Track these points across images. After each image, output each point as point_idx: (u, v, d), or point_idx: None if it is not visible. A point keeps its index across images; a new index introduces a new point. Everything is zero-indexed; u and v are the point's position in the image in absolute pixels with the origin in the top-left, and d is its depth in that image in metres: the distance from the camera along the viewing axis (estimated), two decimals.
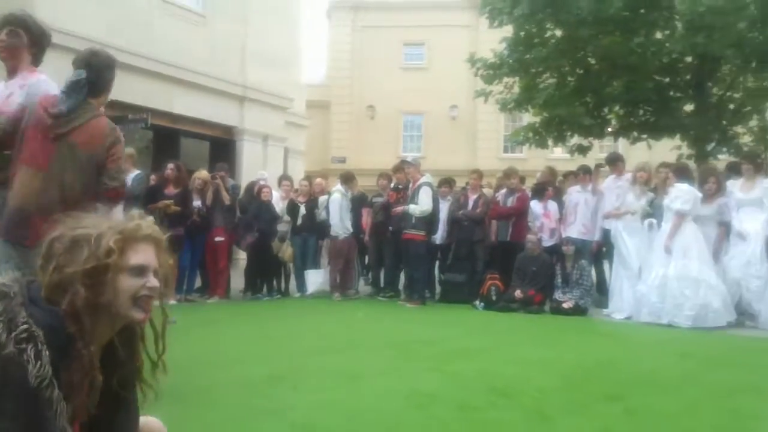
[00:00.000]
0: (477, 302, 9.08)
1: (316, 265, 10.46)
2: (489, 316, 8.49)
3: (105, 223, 1.68)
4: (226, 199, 9.57)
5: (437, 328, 7.40)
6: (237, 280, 10.08)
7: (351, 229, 10.05)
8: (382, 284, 10.35)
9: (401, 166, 10.27)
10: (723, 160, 11.87)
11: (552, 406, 4.14)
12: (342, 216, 9.93)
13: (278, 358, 5.31)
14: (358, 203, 10.38)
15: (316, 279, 10.18)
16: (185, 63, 13.47)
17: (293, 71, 18.86)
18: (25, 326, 1.50)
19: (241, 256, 11.47)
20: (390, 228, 9.85)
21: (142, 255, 1.68)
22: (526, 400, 4.27)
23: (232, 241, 9.93)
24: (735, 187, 8.14)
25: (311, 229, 10.24)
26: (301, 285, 10.23)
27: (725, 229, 8.11)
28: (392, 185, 10.27)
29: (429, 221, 9.24)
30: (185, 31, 13.98)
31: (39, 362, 1.48)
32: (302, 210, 10.19)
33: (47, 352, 1.49)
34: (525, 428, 3.72)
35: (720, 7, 11.36)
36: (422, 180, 9.39)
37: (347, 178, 10.47)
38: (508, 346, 6.40)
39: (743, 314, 7.83)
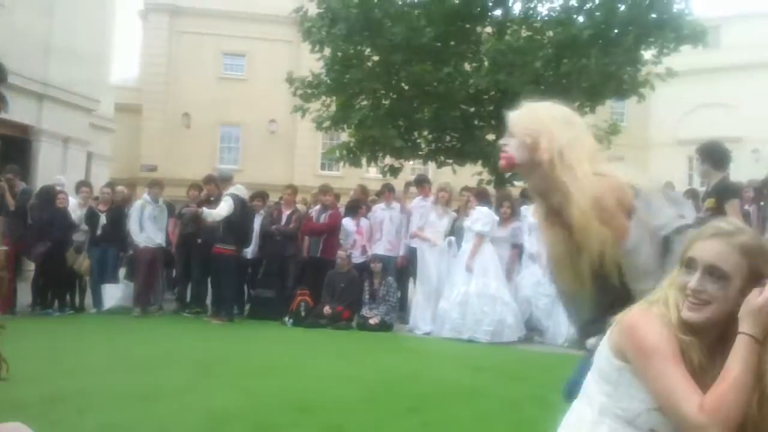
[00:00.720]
0: (286, 318, 9.01)
1: (115, 278, 9.82)
2: (297, 333, 8.47)
3: None
4: (11, 204, 8.67)
5: (242, 345, 7.24)
6: (25, 294, 9.18)
7: (156, 240, 9.57)
8: (188, 299, 9.93)
9: (212, 177, 10.00)
10: (519, 186, 12.80)
11: (352, 421, 4.19)
12: (144, 225, 9.43)
13: (61, 378, 4.89)
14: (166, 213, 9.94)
15: (114, 293, 9.54)
16: None
17: (101, 71, 17.75)
18: None
19: (31, 268, 10.50)
20: (199, 240, 9.51)
21: None
22: (326, 415, 4.28)
23: (20, 250, 9.04)
24: (528, 212, 8.78)
25: (112, 239, 9.59)
26: (98, 300, 9.54)
27: (518, 250, 8.73)
28: (202, 196, 9.96)
29: (238, 235, 9.04)
30: None
31: None
32: (102, 219, 9.53)
33: None
34: None
35: (520, 47, 12.36)
36: (230, 191, 9.17)
37: (152, 186, 9.99)
38: (312, 362, 6.39)
39: (533, 330, 8.46)
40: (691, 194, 8.00)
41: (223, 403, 4.43)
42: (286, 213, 9.98)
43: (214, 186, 9.72)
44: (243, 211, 9.16)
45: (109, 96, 19.40)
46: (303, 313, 9.00)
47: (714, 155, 5.74)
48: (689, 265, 1.61)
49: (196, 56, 27.63)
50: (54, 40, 14.36)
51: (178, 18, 28.24)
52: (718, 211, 5.22)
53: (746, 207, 7.40)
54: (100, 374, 5.18)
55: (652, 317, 1.58)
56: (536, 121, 2.15)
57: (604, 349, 1.67)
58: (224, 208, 8.82)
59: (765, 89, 32.46)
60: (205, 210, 8.89)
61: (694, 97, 32.43)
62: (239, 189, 9.34)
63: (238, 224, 9.01)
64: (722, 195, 5.47)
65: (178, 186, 13.83)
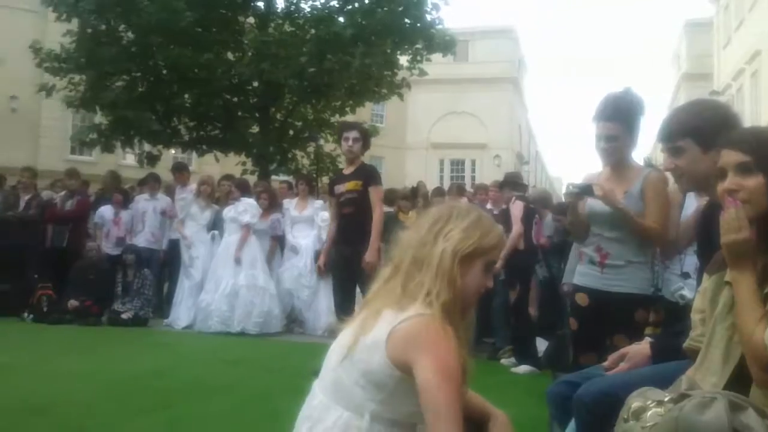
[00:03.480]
0: (25, 314, 8.22)
1: None
2: (38, 329, 7.76)
3: None
4: None
5: None
6: None
7: None
8: None
9: None
10: (283, 178, 12.92)
11: (94, 420, 3.96)
12: None
13: None
14: None
15: None
16: None
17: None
18: None
19: None
20: None
21: None
22: (65, 416, 4.01)
23: None
24: (291, 205, 8.89)
25: None
26: None
27: (276, 242, 8.81)
28: None
29: None
30: None
31: None
32: None
33: None
34: None
35: (283, 40, 12.47)
36: None
37: None
38: (54, 361, 5.91)
39: (294, 321, 8.59)
40: (438, 192, 8.63)
41: None
42: (24, 198, 9.08)
43: None
44: None
45: None
46: (45, 308, 8.27)
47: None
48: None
49: None
50: None
51: None
52: None
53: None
54: None
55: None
56: None
57: (378, 356, 1.67)
58: None
59: (505, 101, 36.24)
60: None
61: (445, 104, 35.21)
62: None
63: None
64: None
65: None
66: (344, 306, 5.61)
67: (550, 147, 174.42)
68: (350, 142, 5.65)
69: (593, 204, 3.42)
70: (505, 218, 6.62)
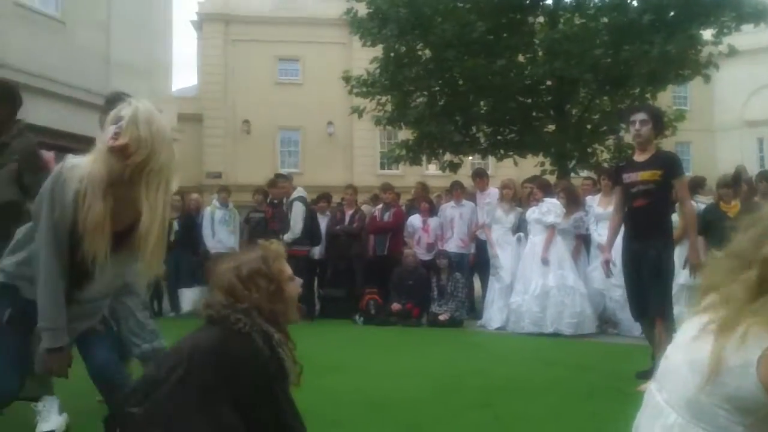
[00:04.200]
0: (357, 317, 9.13)
1: (190, 282, 10.13)
2: (368, 331, 8.56)
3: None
4: None
5: (314, 344, 7.31)
6: None
7: (228, 244, 9.86)
8: None
9: (275, 180, 10.21)
10: (584, 176, 12.59)
11: (425, 416, 4.24)
12: (216, 230, 9.74)
13: None
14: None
15: (190, 297, 9.84)
16: (41, 71, 12.71)
17: (162, 82, 18.25)
18: (276, 335, 2.33)
19: None
20: None
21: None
22: (400, 412, 4.34)
23: None
24: (594, 201, 8.64)
25: (185, 245, 9.92)
26: (175, 304, 9.88)
27: (581, 241, 8.60)
28: (268, 200, 10.17)
29: (310, 236, 9.26)
30: (41, 38, 13.21)
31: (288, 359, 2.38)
32: (175, 226, 9.86)
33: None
34: None
35: (574, 34, 12.15)
36: (295, 194, 9.41)
37: (221, 191, 10.34)
38: (384, 360, 6.47)
39: (606, 323, 8.32)
40: (763, 177, 7.73)
41: (297, 400, 4.53)
42: (348, 213, 10.11)
43: (277, 189, 9.94)
44: (310, 212, 9.41)
45: (172, 106, 19.91)
46: (373, 311, 9.10)
47: None
48: None
49: (251, 63, 28.10)
50: (114, 54, 14.86)
51: (232, 26, 28.77)
52: None
53: None
54: None
55: None
56: None
57: (748, 382, 1.50)
58: (298, 215, 9.04)
59: None
60: (285, 238, 9.00)
61: (758, 77, 31.10)
62: (301, 191, 9.58)
63: (308, 226, 9.21)
64: None
65: (243, 191, 14.15)
66: (639, 307, 5.32)
67: None
68: (637, 126, 5.27)
69: None
70: None
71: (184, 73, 74.90)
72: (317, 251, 9.86)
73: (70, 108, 13.43)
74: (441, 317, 8.76)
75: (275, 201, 9.93)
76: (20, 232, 2.78)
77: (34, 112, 12.52)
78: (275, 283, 2.38)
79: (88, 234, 2.44)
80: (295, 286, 2.49)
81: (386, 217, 9.85)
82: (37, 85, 12.60)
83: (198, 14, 29.37)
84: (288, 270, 2.46)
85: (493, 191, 9.55)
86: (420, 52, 13.94)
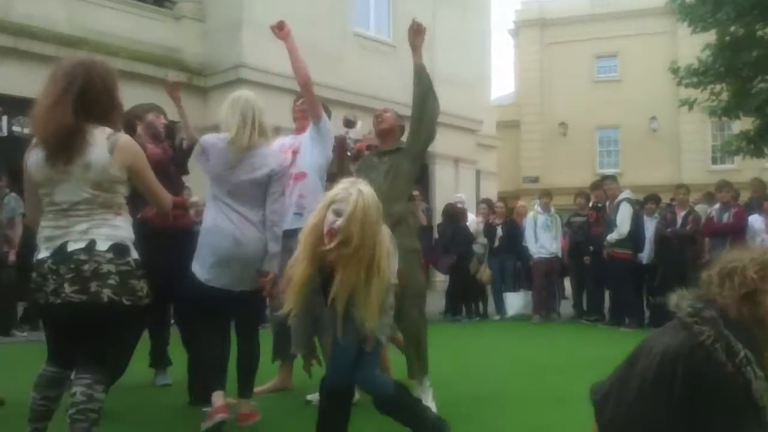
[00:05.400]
0: None
1: (515, 287, 10.37)
2: None
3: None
4: (423, 220, 9.75)
5: None
6: (434, 303, 10.19)
7: (551, 249, 9.87)
8: (584, 307, 9.99)
9: (600, 183, 9.94)
10: None
11: None
12: (539, 235, 9.80)
13: (475, 380, 5.29)
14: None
15: (515, 302, 10.06)
16: (375, 92, 14.04)
17: (482, 93, 18.95)
18: (742, 352, 1.98)
19: (438, 278, 11.64)
20: (591, 248, 9.51)
21: None
22: None
23: (429, 263, 10.10)
24: None
25: (509, 250, 10.18)
26: (501, 307, 10.17)
27: None
28: (591, 204, 9.94)
29: (634, 239, 8.83)
30: (376, 62, 14.60)
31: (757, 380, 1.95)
32: (499, 232, 10.17)
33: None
34: None
35: None
36: (622, 196, 9.04)
37: (542, 196, 10.37)
38: None
39: None
40: None
41: None
42: (680, 214, 9.40)
43: (601, 192, 9.68)
44: (635, 214, 8.98)
45: (491, 115, 20.57)
46: None
47: None
48: None
49: (568, 64, 27.81)
50: (437, 71, 15.78)
51: (548, 29, 28.77)
52: None
53: None
54: (510, 378, 5.48)
55: None
56: None
57: None
58: (623, 221, 8.74)
59: None
60: (609, 238, 8.81)
61: None
62: (628, 193, 9.18)
63: (633, 229, 8.83)
64: None
65: (560, 194, 14.04)
66: None
67: None
68: None
69: None
70: None
71: (501, 82, 76.98)
72: (645, 256, 9.34)
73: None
74: None
75: (599, 204, 9.67)
76: None
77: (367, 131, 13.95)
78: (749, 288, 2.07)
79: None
80: None
81: (725, 218, 8.96)
82: (370, 105, 13.95)
83: (515, 22, 30.00)
84: None
85: None
86: (761, 32, 12.46)
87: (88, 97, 2.71)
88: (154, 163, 3.31)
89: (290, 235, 3.93)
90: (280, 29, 4.37)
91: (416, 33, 4.30)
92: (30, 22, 11.06)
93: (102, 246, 2.69)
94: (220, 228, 3.63)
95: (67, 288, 2.63)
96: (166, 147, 4.46)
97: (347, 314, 2.83)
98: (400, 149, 4.35)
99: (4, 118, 10.30)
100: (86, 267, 2.64)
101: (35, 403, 2.78)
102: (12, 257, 7.57)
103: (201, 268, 3.67)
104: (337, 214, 2.68)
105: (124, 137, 2.81)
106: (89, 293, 2.63)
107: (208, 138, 3.79)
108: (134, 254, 2.80)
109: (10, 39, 10.80)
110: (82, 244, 2.68)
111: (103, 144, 2.71)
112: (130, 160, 2.79)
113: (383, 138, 4.45)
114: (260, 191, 3.72)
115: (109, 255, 2.69)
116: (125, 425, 3.85)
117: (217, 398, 3.55)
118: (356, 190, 2.72)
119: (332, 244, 2.67)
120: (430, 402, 3.92)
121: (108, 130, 2.76)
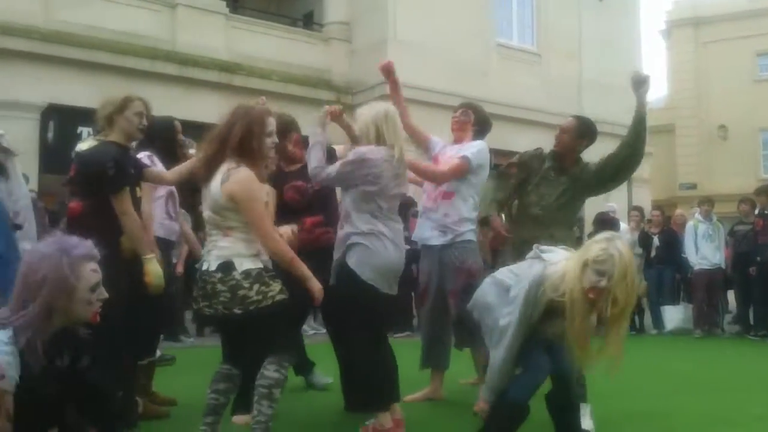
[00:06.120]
0: None
1: (673, 300, 9.85)
2: None
3: None
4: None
5: None
6: None
7: (713, 260, 9.29)
8: (751, 322, 9.31)
9: (766, 188, 9.27)
10: None
11: None
12: (699, 245, 9.26)
13: (637, 397, 5.08)
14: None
15: (675, 315, 9.56)
16: (521, 102, 13.87)
17: (632, 98, 18.18)
18: None
19: None
20: (758, 258, 8.87)
21: None
22: None
23: None
24: None
25: (667, 261, 9.70)
26: (658, 321, 9.70)
27: None
28: (757, 211, 9.28)
29: None
30: (520, 72, 14.49)
31: None
32: (656, 241, 9.73)
33: None
34: None
35: None
36: None
37: (702, 204, 9.81)
38: None
39: None
40: None
41: None
42: None
43: (765, 198, 9.04)
44: None
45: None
46: None
47: None
48: None
49: (725, 63, 26.11)
50: (585, 77, 15.45)
51: (703, 28, 27.20)
52: None
53: None
54: (670, 395, 5.21)
55: None
56: None
57: None
58: None
59: None
60: None
61: None
62: None
63: None
64: None
65: (721, 201, 13.14)
66: None
67: None
68: None
69: None
70: None
71: (652, 85, 73.62)
72: None
73: (547, 133, 14.35)
74: None
75: (766, 211, 9.01)
76: None
77: (513, 141, 13.79)
78: None
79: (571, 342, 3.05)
80: None
81: None
82: (515, 115, 13.83)
83: (666, 22, 28.67)
84: None
85: None
86: None
87: (236, 138, 3.09)
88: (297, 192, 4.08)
89: (438, 251, 4.39)
90: (388, 74, 4.58)
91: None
92: (193, 52, 12.04)
93: (213, 266, 3.06)
94: (397, 243, 3.71)
95: (201, 302, 3.12)
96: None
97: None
98: (582, 171, 4.34)
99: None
100: (208, 288, 3.05)
101: (208, 397, 3.15)
102: (180, 268, 8.18)
103: (382, 280, 3.63)
104: (600, 274, 2.89)
105: (237, 171, 3.06)
106: (215, 308, 3.06)
107: (374, 151, 3.63)
108: (242, 266, 3.03)
109: (176, 68, 11.80)
110: (204, 266, 3.10)
111: (221, 174, 3.06)
112: (232, 189, 3.03)
113: (560, 157, 4.42)
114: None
115: (219, 275, 3.02)
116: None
117: (395, 411, 3.68)
118: (617, 252, 2.91)
119: (597, 299, 2.94)
120: (588, 419, 3.82)
121: (234, 164, 3.07)
